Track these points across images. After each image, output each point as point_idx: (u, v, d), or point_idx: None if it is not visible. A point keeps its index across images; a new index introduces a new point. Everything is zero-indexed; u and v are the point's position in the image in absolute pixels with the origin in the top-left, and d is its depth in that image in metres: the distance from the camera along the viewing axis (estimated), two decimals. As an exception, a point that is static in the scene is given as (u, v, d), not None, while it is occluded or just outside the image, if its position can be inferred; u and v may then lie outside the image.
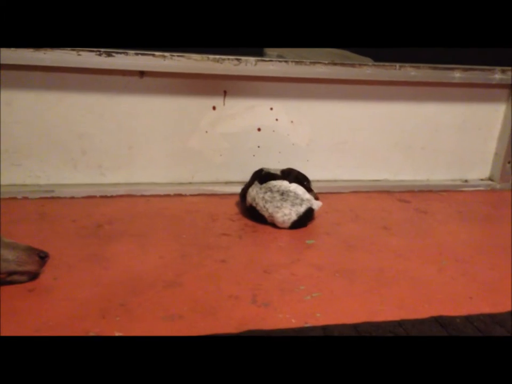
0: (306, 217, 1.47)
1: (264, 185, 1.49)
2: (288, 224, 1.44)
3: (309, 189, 1.55)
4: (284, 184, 1.48)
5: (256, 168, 1.63)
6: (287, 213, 1.43)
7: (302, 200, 1.45)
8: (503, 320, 1.01)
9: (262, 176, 1.54)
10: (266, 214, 1.46)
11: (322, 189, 1.79)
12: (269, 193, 1.45)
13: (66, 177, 1.64)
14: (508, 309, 1.06)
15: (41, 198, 1.57)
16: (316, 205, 1.50)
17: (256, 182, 1.52)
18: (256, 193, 1.48)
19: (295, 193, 1.45)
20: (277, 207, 1.43)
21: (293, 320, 0.99)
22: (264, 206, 1.45)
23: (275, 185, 1.47)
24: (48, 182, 1.63)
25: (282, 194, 1.45)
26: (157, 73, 1.58)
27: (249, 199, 1.51)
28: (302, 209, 1.44)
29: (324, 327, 0.95)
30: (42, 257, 1.07)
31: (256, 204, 1.47)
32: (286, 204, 1.43)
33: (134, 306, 1.01)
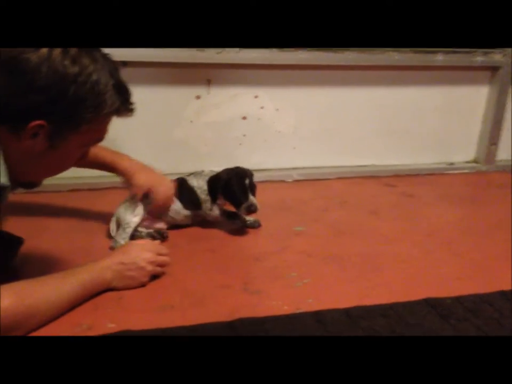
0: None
1: None
2: None
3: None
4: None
5: (242, 157, 1.63)
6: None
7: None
8: (491, 300, 1.02)
9: None
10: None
11: (308, 175, 1.79)
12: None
13: (50, 171, 1.61)
14: (494, 288, 1.08)
15: (26, 192, 1.55)
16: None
17: None
18: None
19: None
20: None
21: (285, 307, 0.99)
22: None
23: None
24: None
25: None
26: (139, 63, 1.56)
27: None
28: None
29: (316, 313, 0.96)
30: None
31: None
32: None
33: (126, 298, 1.00)
